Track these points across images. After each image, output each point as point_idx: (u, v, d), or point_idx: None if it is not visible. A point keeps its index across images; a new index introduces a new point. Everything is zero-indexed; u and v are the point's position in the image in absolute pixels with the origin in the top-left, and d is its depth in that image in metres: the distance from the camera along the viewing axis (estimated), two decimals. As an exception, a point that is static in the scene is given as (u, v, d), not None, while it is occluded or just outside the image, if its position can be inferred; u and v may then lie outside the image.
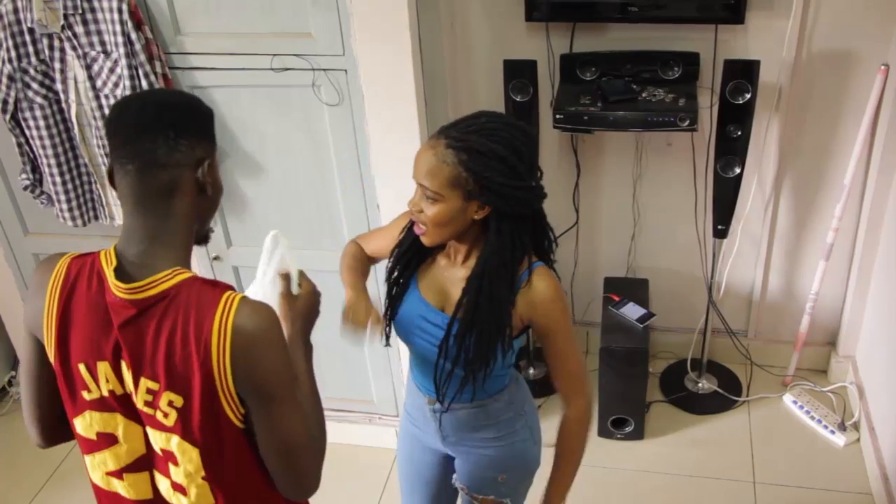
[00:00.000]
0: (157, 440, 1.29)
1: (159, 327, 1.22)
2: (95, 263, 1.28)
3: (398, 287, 1.74)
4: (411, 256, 1.71)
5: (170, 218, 1.26)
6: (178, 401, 1.24)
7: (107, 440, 1.33)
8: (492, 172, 1.50)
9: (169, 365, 1.22)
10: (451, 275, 1.68)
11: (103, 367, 1.26)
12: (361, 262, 1.87)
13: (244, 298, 1.24)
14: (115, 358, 1.26)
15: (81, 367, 1.27)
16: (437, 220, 1.55)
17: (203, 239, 1.38)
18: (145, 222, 1.25)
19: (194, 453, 1.27)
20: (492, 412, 1.79)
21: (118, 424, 1.30)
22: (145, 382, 1.24)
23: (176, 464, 1.29)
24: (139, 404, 1.27)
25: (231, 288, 1.26)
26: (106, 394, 1.28)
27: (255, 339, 1.22)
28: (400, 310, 1.74)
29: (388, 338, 1.78)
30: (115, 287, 1.23)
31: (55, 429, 1.41)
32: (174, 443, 1.27)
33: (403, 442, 2.01)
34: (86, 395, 1.29)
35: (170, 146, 1.23)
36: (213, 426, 1.25)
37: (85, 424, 1.32)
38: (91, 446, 1.34)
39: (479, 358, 1.62)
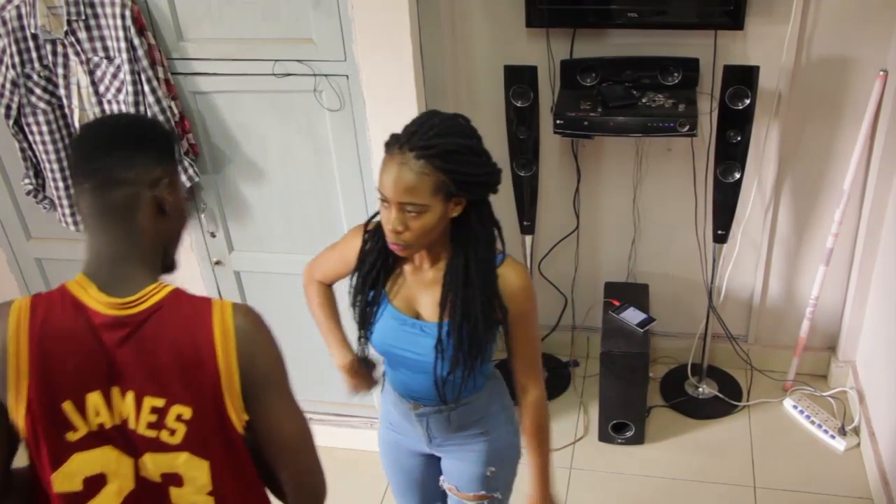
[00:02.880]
0: (160, 465, 1.26)
1: (160, 339, 1.21)
2: (66, 294, 1.25)
3: (371, 306, 1.72)
4: (377, 273, 1.70)
5: (134, 238, 1.24)
6: (188, 412, 1.23)
7: (94, 485, 1.26)
8: (468, 166, 1.52)
9: (177, 375, 1.21)
10: (419, 280, 1.68)
11: (93, 399, 1.22)
12: (333, 307, 1.89)
13: (234, 302, 1.27)
14: (108, 384, 1.22)
15: (67, 406, 1.22)
16: (425, 231, 1.54)
17: (168, 268, 1.34)
18: (110, 243, 1.24)
19: (204, 467, 1.26)
20: (478, 408, 1.80)
21: (109, 459, 1.25)
22: (150, 401, 1.22)
23: (180, 485, 1.27)
24: (141, 428, 1.24)
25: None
26: (95, 428, 1.24)
27: (255, 335, 1.26)
28: (376, 329, 1.73)
29: (366, 360, 1.82)
30: (106, 306, 1.21)
31: None
32: (181, 461, 1.25)
33: (387, 451, 2.00)
34: (71, 437, 1.23)
35: (125, 164, 1.22)
36: (222, 435, 1.26)
37: (69, 474, 1.25)
38: (74, 502, 1.27)
39: (475, 348, 1.63)
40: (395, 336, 1.71)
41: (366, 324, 1.73)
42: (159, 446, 1.25)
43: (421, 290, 1.69)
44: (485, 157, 1.57)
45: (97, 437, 1.24)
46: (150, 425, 1.24)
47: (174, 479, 1.27)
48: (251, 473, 1.33)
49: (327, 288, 1.90)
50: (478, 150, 1.56)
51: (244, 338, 1.24)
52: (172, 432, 1.24)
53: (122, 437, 1.25)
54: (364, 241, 1.70)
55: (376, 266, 1.69)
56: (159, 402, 1.22)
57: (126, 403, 1.23)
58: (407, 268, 1.70)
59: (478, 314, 1.61)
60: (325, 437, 2.89)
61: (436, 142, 1.49)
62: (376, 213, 1.66)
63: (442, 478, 1.94)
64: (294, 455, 1.32)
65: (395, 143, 1.53)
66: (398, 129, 1.47)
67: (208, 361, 1.21)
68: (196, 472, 1.27)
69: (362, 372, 1.85)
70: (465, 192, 1.54)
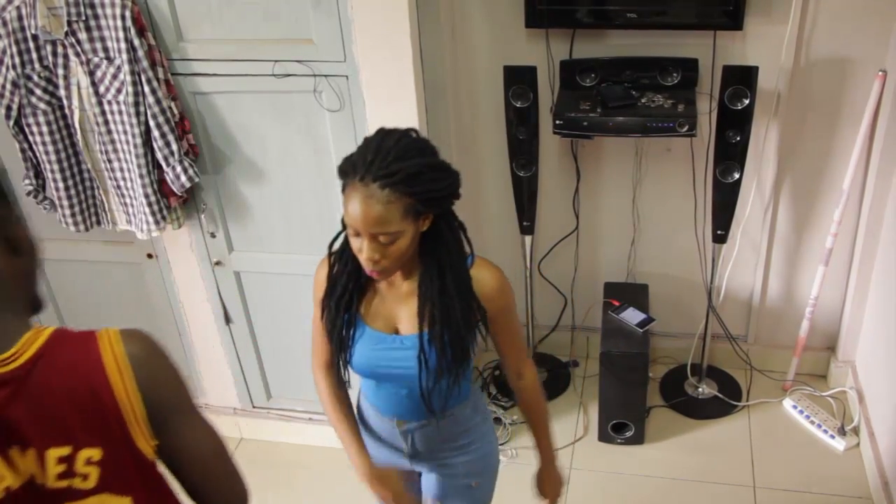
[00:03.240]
0: None
1: (50, 388, 1.13)
2: None
3: (347, 329, 1.68)
4: (350, 296, 1.67)
5: None
6: (97, 454, 1.17)
7: None
8: (433, 184, 1.50)
9: (78, 419, 1.15)
10: (395, 294, 1.67)
11: None
12: (346, 407, 1.81)
13: (120, 329, 1.20)
14: (5, 447, 1.14)
15: None
16: (401, 254, 1.53)
17: (36, 308, 1.26)
18: None
19: (126, 503, 1.21)
20: (463, 418, 1.80)
21: None
22: (54, 453, 1.15)
23: None
24: (50, 482, 1.16)
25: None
26: (2, 494, 1.16)
27: (151, 360, 1.20)
28: (356, 352, 1.70)
29: (348, 382, 1.80)
30: None
31: None
32: (101, 503, 1.19)
33: None
34: None
35: None
36: (137, 467, 1.21)
37: None
38: None
39: (459, 354, 1.63)
40: (377, 355, 1.68)
41: (344, 348, 1.69)
42: (74, 494, 1.18)
43: (397, 304, 1.67)
44: (446, 169, 1.54)
45: (7, 502, 1.17)
46: (60, 476, 1.17)
47: None
48: (173, 497, 1.29)
49: (337, 382, 1.82)
50: (439, 164, 1.53)
51: (140, 364, 1.18)
52: (85, 477, 1.17)
53: (33, 495, 1.18)
54: (331, 266, 1.67)
55: (348, 289, 1.65)
56: (65, 451, 1.15)
57: (28, 461, 1.15)
58: (380, 285, 1.67)
59: (458, 320, 1.60)
60: (325, 439, 2.90)
61: (397, 167, 1.45)
62: (338, 235, 1.65)
63: (425, 495, 1.92)
64: (214, 468, 1.29)
65: (354, 174, 1.48)
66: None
67: (106, 397, 1.15)
68: None
69: (390, 481, 1.74)
70: (433, 208, 1.53)
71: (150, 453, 1.21)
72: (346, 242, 1.62)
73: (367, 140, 1.53)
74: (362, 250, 1.52)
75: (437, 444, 1.81)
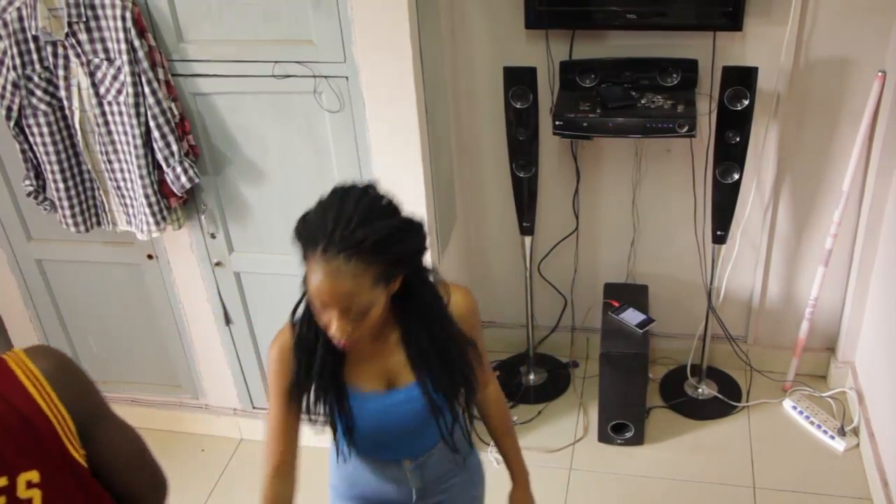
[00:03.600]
0: None
1: None
2: None
3: (340, 403, 1.54)
4: (332, 367, 1.52)
5: None
6: (35, 476, 1.17)
7: None
8: (401, 246, 1.38)
9: (11, 446, 1.15)
10: (378, 348, 1.55)
11: None
12: None
13: (25, 349, 1.21)
14: None
15: None
16: (374, 322, 1.42)
17: None
18: None
19: None
20: (454, 440, 1.72)
21: None
22: None
23: None
24: None
25: None
26: None
27: (64, 372, 1.21)
28: (358, 424, 1.56)
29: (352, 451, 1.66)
30: None
31: None
32: None
33: None
34: None
35: None
36: (75, 479, 1.21)
37: None
38: None
39: (463, 384, 1.57)
40: (384, 419, 1.57)
41: (349, 425, 1.55)
42: None
43: (384, 357, 1.56)
44: (411, 225, 1.41)
45: None
46: None
47: None
48: (109, 500, 1.30)
49: (290, 490, 1.58)
50: (405, 223, 1.39)
51: (55, 379, 1.18)
52: (29, 502, 1.17)
53: None
54: (299, 337, 1.50)
55: (328, 360, 1.50)
56: (3, 482, 1.15)
57: None
58: (365, 345, 1.53)
59: (456, 358, 1.53)
60: (321, 440, 2.89)
61: (362, 234, 1.32)
62: (299, 302, 1.50)
63: None
64: (138, 466, 1.31)
65: (315, 245, 1.35)
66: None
67: (37, 419, 1.16)
68: None
69: None
70: (404, 269, 1.42)
71: (84, 461, 1.22)
72: (308, 308, 1.47)
73: (322, 204, 1.40)
74: (331, 324, 1.39)
75: (439, 472, 1.74)
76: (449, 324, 1.55)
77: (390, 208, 1.40)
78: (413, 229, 1.41)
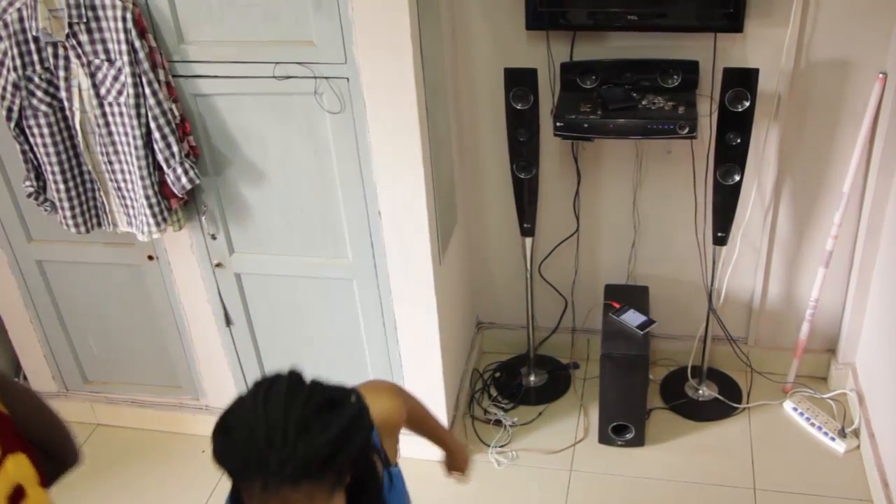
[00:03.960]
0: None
1: None
2: None
3: None
4: None
5: None
6: None
7: None
8: (350, 447, 1.16)
9: None
10: None
11: None
12: None
13: None
14: None
15: None
16: None
17: None
18: None
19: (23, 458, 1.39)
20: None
21: None
22: None
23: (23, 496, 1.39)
24: None
25: None
26: None
27: None
28: None
29: None
30: None
31: None
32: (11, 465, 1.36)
33: None
34: None
35: None
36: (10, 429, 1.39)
37: None
38: None
39: None
40: None
41: None
42: None
43: None
44: (354, 418, 1.18)
45: None
46: None
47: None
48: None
49: None
50: (346, 421, 1.16)
51: None
52: None
53: None
54: None
55: None
56: None
57: None
58: None
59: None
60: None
61: (303, 455, 1.11)
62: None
63: None
64: (51, 415, 1.51)
65: (251, 479, 1.12)
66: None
67: None
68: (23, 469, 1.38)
69: None
70: (354, 468, 1.21)
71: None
72: None
73: (245, 415, 1.15)
74: None
75: None
76: (377, 481, 1.36)
77: (323, 405, 1.16)
78: (355, 422, 1.19)
